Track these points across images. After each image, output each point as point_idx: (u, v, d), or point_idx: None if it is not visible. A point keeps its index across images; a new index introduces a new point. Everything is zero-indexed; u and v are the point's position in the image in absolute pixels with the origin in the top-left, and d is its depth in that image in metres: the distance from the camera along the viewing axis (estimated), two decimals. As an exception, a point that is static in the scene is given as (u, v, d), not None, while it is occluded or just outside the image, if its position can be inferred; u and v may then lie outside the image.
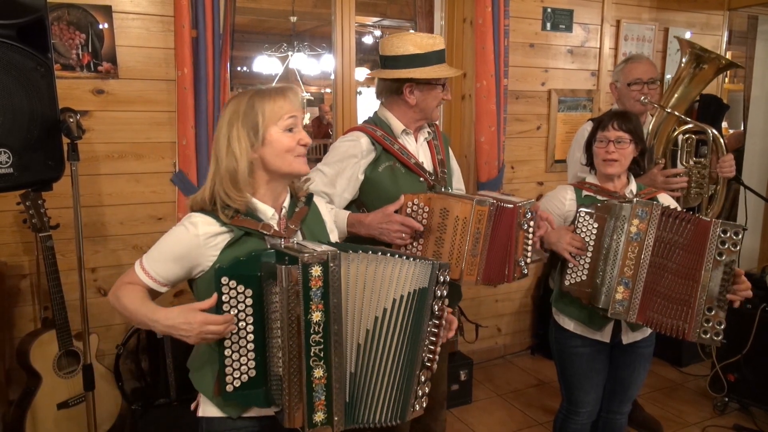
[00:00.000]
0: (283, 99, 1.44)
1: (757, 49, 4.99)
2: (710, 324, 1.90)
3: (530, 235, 1.93)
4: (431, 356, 1.43)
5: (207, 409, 1.50)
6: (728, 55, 7.63)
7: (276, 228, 1.46)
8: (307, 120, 8.10)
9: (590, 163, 2.18)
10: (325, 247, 1.34)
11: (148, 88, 2.81)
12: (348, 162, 1.98)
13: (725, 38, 4.51)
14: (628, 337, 2.15)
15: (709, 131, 2.65)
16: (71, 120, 1.98)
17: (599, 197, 2.10)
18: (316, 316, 1.29)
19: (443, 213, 1.84)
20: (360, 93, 8.81)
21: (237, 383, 1.34)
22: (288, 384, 1.30)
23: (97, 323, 2.78)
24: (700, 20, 4.33)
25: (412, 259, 1.41)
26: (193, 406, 1.56)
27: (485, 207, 1.81)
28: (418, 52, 1.97)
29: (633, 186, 2.17)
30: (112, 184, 2.81)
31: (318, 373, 1.31)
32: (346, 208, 2.05)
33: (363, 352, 1.39)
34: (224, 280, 1.31)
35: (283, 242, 1.42)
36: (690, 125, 2.69)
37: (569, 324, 2.15)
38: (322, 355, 1.31)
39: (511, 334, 4.03)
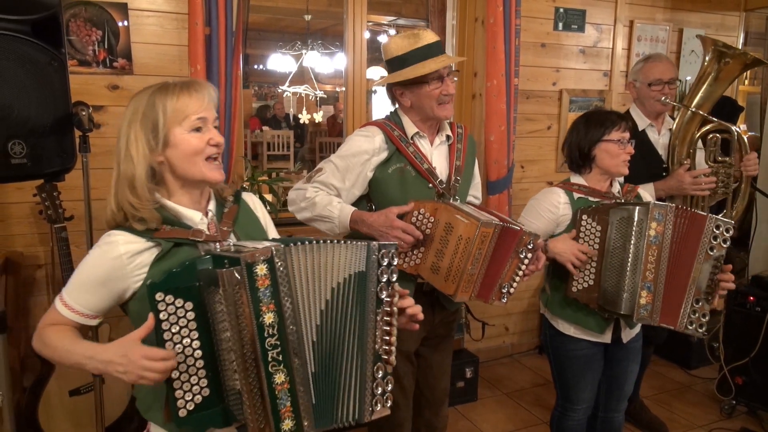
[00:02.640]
0: (188, 96, 1.30)
1: (775, 50, 4.94)
2: (696, 315, 1.93)
3: (523, 266, 1.88)
4: (387, 347, 1.34)
5: None
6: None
7: (208, 232, 1.34)
8: (320, 118, 8.13)
9: (582, 164, 2.14)
10: (267, 243, 1.24)
11: (161, 85, 2.87)
12: (360, 158, 1.97)
13: (741, 39, 4.47)
14: (626, 335, 2.16)
15: (733, 130, 2.64)
16: (83, 113, 2.03)
17: (591, 198, 2.09)
18: (269, 317, 1.18)
19: (447, 228, 1.82)
20: (375, 92, 8.83)
21: (190, 406, 1.21)
22: (248, 396, 1.19)
23: (109, 313, 2.83)
24: (715, 21, 4.30)
25: (343, 242, 1.32)
26: None
27: (490, 229, 1.78)
28: (398, 55, 1.96)
29: (617, 185, 2.18)
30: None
31: (279, 378, 1.20)
32: (356, 201, 2.04)
33: (319, 349, 1.29)
34: (159, 296, 1.17)
35: (218, 246, 1.30)
36: (713, 124, 2.67)
37: (569, 329, 2.15)
38: (280, 358, 1.20)
39: (518, 333, 4.04)
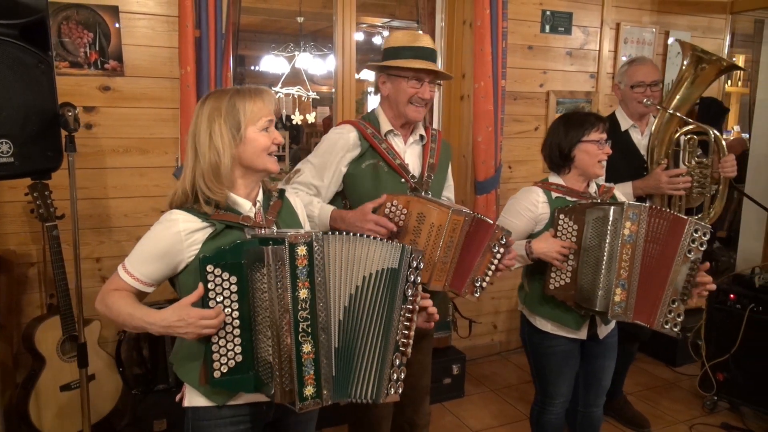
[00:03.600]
0: (261, 101, 1.52)
1: (763, 52, 4.99)
2: (672, 315, 1.97)
3: (495, 261, 1.92)
4: (405, 340, 1.48)
5: (193, 399, 1.54)
6: (740, 60, 7.62)
7: (254, 220, 1.53)
8: (312, 119, 8.21)
9: (562, 164, 2.17)
10: (307, 230, 1.42)
11: (152, 86, 2.92)
12: (335, 155, 2.05)
13: (728, 41, 4.52)
14: (602, 331, 2.21)
15: (711, 132, 2.69)
16: (69, 114, 2.09)
17: (568, 198, 2.14)
18: (303, 293, 1.36)
19: (420, 217, 1.88)
20: (371, 93, 8.88)
21: (224, 369, 1.40)
22: (278, 360, 1.36)
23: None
24: (702, 23, 4.36)
25: (381, 239, 1.48)
26: (178, 397, 1.60)
27: (461, 217, 1.84)
28: (393, 46, 2.06)
29: (593, 185, 2.22)
30: (118, 178, 2.92)
31: (306, 348, 1.36)
32: (333, 198, 2.11)
33: (344, 328, 1.45)
34: (209, 268, 1.37)
35: (263, 231, 1.49)
36: (691, 126, 2.74)
37: (546, 325, 2.20)
38: (309, 330, 1.37)
39: (507, 331, 4.09)
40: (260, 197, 1.60)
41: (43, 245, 2.76)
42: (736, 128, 8.28)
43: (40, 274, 2.84)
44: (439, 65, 3.82)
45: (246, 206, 1.55)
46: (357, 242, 1.45)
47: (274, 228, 1.55)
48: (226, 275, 1.39)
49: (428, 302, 1.59)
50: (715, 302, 3.26)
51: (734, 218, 5.39)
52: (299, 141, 9.21)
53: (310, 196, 2.03)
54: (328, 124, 9.73)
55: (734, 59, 7.96)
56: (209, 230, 1.48)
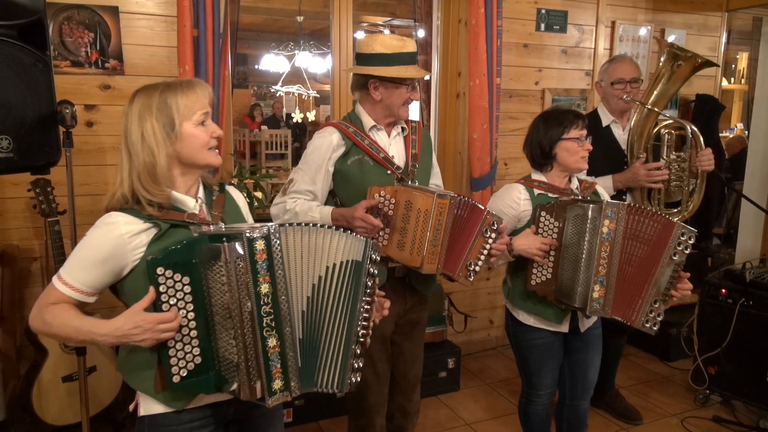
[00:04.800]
0: (195, 94, 1.45)
1: (761, 50, 5.00)
2: (653, 314, 2.01)
3: (488, 246, 1.99)
4: (364, 331, 1.48)
5: (150, 407, 1.46)
6: (743, 57, 7.63)
7: (199, 216, 1.48)
8: (312, 117, 8.28)
9: (544, 162, 2.20)
10: (258, 225, 1.38)
11: (151, 84, 2.98)
12: (322, 158, 2.13)
13: (724, 39, 4.55)
14: (584, 325, 2.26)
15: (688, 127, 2.74)
16: (67, 111, 2.17)
17: (550, 195, 2.18)
18: (264, 287, 1.33)
19: (407, 205, 1.95)
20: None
21: (184, 372, 1.34)
22: (245, 357, 1.33)
23: (100, 305, 2.94)
24: (697, 21, 4.39)
25: (342, 231, 1.47)
26: (131, 407, 1.52)
27: (446, 200, 1.90)
28: (385, 52, 2.09)
29: (575, 181, 2.26)
30: (118, 174, 2.98)
31: (272, 342, 1.34)
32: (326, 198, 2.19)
33: (307, 319, 1.44)
34: (160, 270, 1.30)
35: (211, 228, 1.43)
36: (669, 121, 2.79)
37: (529, 319, 2.24)
38: (273, 324, 1.35)
39: (503, 326, 4.11)
40: (201, 193, 1.53)
41: (45, 240, 2.83)
42: (740, 126, 8.28)
43: (42, 269, 2.91)
44: (435, 64, 3.90)
45: (190, 203, 1.48)
46: (317, 233, 1.44)
47: (221, 224, 1.50)
48: (178, 276, 1.32)
49: (380, 292, 1.60)
50: (707, 297, 3.30)
51: (733, 215, 5.41)
52: (302, 139, 9.29)
53: (309, 202, 2.11)
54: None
55: (737, 56, 7.98)
56: (153, 231, 1.39)
